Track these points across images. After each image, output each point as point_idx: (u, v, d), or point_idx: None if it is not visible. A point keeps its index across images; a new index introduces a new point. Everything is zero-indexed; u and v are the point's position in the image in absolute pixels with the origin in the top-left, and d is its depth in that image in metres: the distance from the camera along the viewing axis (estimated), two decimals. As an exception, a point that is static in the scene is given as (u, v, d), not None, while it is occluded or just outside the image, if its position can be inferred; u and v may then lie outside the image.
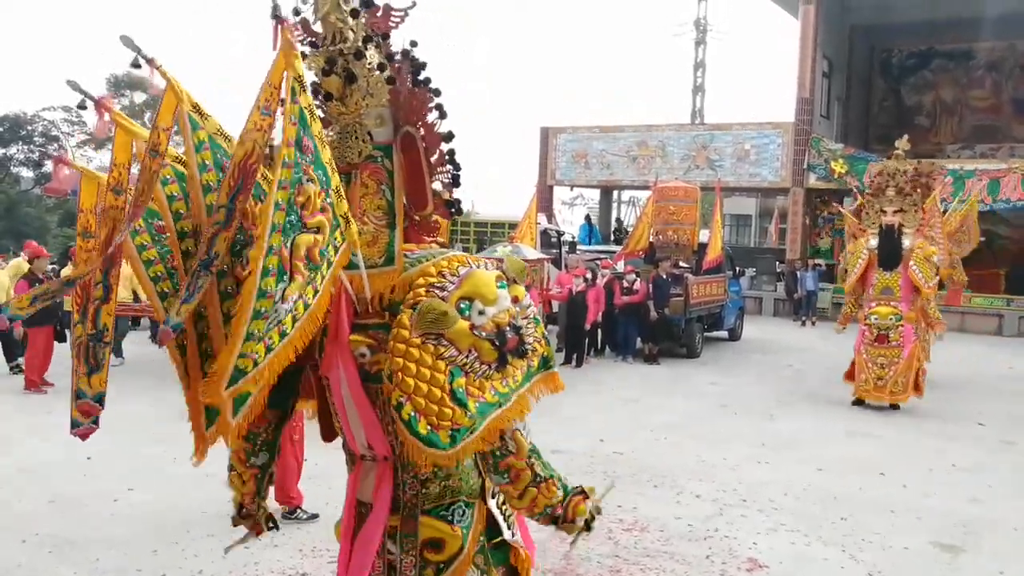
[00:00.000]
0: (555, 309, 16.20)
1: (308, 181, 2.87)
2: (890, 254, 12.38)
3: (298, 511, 7.06)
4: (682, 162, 28.41)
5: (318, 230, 2.92)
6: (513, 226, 18.29)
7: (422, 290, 3.16)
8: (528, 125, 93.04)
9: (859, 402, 12.54)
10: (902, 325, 12.29)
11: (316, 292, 2.95)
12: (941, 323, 12.71)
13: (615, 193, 37.87)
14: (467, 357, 3.12)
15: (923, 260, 12.24)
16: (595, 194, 35.66)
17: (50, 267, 14.47)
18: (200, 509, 7.26)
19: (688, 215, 18.11)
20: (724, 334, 20.00)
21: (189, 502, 7.43)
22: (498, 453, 3.32)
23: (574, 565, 6.21)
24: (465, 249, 18.31)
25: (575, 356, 15.29)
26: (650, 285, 16.21)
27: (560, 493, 3.42)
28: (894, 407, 12.29)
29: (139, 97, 47.62)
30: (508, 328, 3.21)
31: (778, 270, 27.16)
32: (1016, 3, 25.79)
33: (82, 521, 6.98)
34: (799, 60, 27.19)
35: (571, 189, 36.11)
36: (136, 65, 2.99)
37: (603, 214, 35.00)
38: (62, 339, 13.45)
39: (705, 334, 18.35)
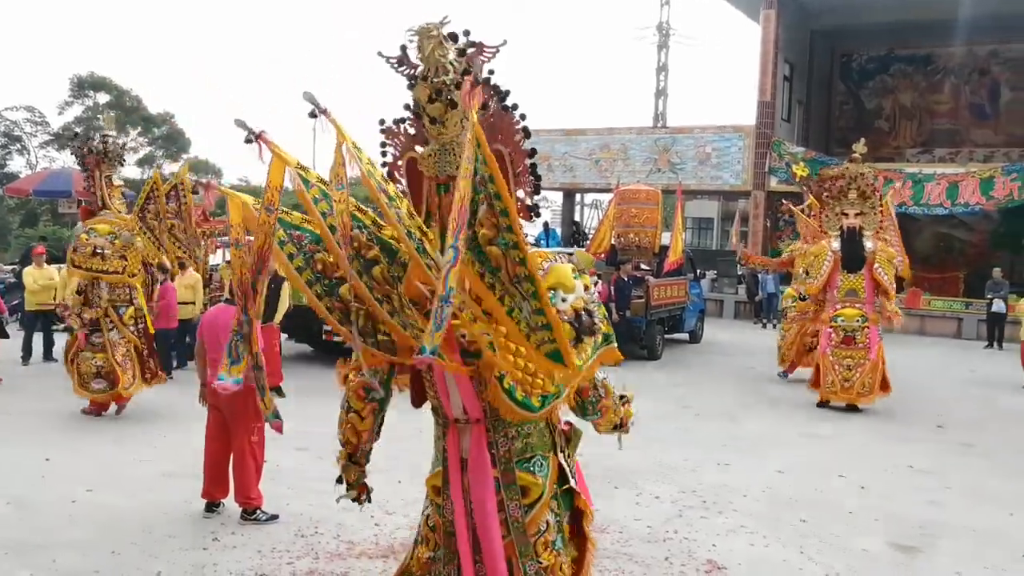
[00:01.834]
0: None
1: (486, 205, 3.40)
2: (854, 257, 12.54)
3: (258, 512, 7.00)
4: (644, 165, 28.53)
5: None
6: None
7: None
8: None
9: (824, 403, 12.64)
10: (867, 327, 12.45)
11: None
12: (898, 315, 12.83)
13: (577, 196, 37.95)
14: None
15: (886, 262, 12.47)
16: (558, 196, 35.74)
17: (9, 267, 14.27)
18: (160, 510, 7.20)
19: (650, 218, 18.18)
20: (685, 336, 20.10)
21: (149, 503, 7.37)
22: (593, 399, 4.44)
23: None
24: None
25: None
26: (612, 287, 16.25)
27: (622, 409, 4.66)
28: (853, 408, 12.40)
29: (103, 98, 47.08)
30: (583, 312, 3.99)
31: (739, 273, 27.36)
32: (974, 9, 26.16)
33: (40, 523, 6.88)
34: (760, 64, 27.42)
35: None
36: (312, 115, 3.62)
37: (565, 217, 35.05)
38: (4, 336, 13.42)
39: (666, 336, 18.44)
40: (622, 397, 4.74)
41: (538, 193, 4.24)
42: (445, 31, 3.81)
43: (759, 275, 25.06)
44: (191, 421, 8.98)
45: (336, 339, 14.89)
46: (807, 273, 13.13)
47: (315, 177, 3.96)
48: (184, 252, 11.56)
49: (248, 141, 3.76)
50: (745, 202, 30.37)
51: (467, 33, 3.94)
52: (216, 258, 17.93)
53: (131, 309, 10.79)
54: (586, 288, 4.07)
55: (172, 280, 13.41)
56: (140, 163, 49.41)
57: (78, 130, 45.60)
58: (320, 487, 7.96)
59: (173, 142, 49.69)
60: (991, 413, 13.10)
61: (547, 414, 4.15)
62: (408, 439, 9.90)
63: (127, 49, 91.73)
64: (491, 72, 4.01)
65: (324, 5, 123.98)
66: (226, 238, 18.76)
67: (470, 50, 3.92)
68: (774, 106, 27.37)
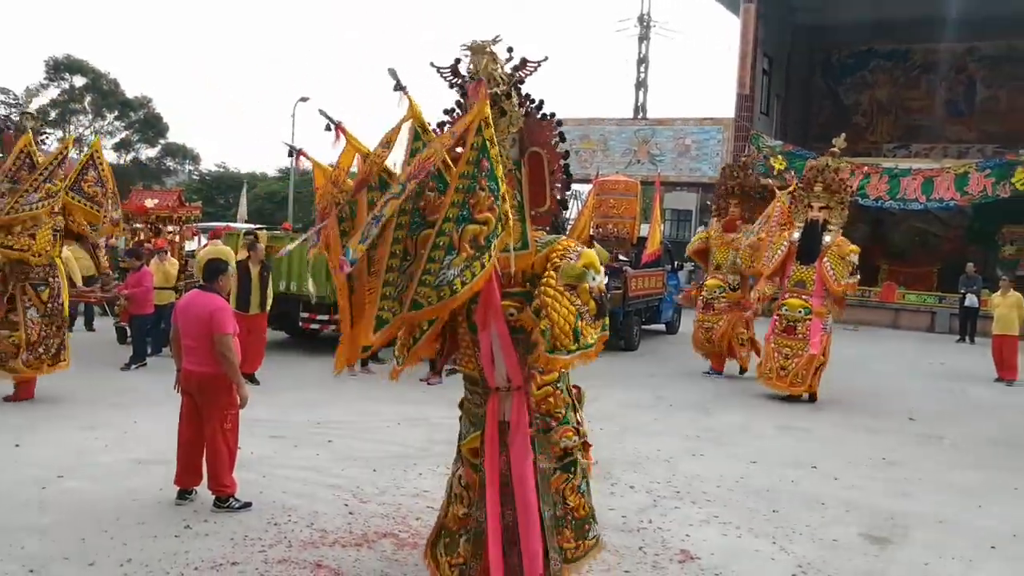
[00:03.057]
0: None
1: (480, 189, 4.32)
2: (808, 249, 12.49)
3: (230, 500, 6.95)
4: (624, 156, 28.57)
5: (484, 223, 4.31)
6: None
7: (558, 258, 4.72)
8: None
9: (793, 398, 12.58)
10: (810, 319, 12.42)
11: (483, 265, 4.29)
12: (842, 304, 12.84)
13: (558, 185, 37.85)
14: (584, 307, 4.62)
15: (837, 258, 12.36)
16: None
17: None
18: (132, 497, 7.14)
19: (628, 209, 18.20)
20: (662, 327, 20.18)
21: (119, 490, 7.30)
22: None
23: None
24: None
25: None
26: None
27: (560, 411, 5.13)
28: (794, 398, 12.46)
29: (79, 81, 46.67)
30: (604, 294, 4.78)
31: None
32: (952, 7, 26.35)
33: (9, 509, 6.80)
34: (740, 57, 27.52)
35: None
36: (398, 87, 4.58)
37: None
38: None
39: (643, 327, 18.51)
40: (584, 441, 5.24)
41: (569, 189, 5.07)
42: (495, 48, 4.62)
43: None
44: (164, 407, 8.93)
45: (313, 327, 14.86)
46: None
47: (375, 164, 4.72)
48: (107, 219, 11.29)
49: (328, 128, 4.67)
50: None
51: (511, 50, 4.72)
52: (193, 244, 17.84)
53: (46, 291, 10.51)
54: (603, 276, 4.90)
55: (148, 265, 13.35)
56: (117, 147, 49.00)
57: (54, 113, 45.18)
58: (295, 475, 7.96)
59: (150, 126, 49.26)
60: (962, 406, 13.24)
61: (565, 363, 4.67)
62: (382, 431, 9.93)
63: (105, 32, 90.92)
64: (521, 82, 4.84)
65: (324, 5, 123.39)
66: (202, 224, 18.67)
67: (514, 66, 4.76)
68: (753, 99, 27.49)
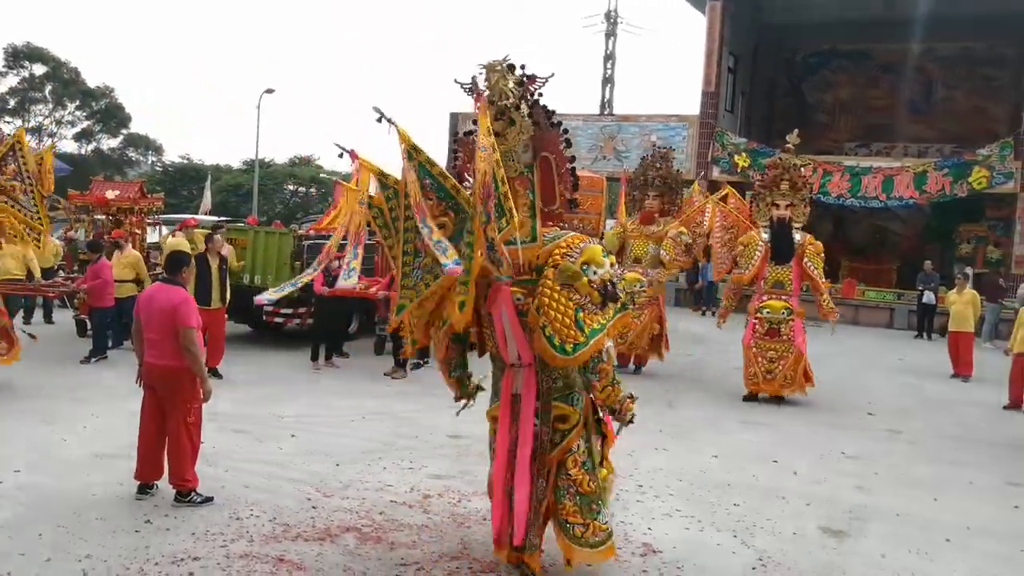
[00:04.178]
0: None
1: (427, 200, 5.14)
2: (783, 248, 12.37)
3: (192, 494, 6.90)
4: (590, 152, 28.63)
5: (443, 226, 5.09)
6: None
7: (559, 256, 5.39)
8: (438, 111, 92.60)
9: (752, 397, 12.52)
10: (792, 319, 12.32)
11: (457, 260, 4.85)
12: (834, 312, 12.82)
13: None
14: (585, 300, 5.31)
15: (815, 255, 12.39)
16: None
17: None
18: (91, 492, 7.07)
19: (594, 205, 18.14)
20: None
21: (78, 485, 7.22)
22: (595, 360, 5.54)
23: (470, 550, 6.24)
24: (371, 233, 18.16)
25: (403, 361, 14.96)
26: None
27: (623, 395, 5.70)
28: (779, 399, 12.37)
29: (39, 69, 45.98)
30: (608, 283, 5.41)
31: (682, 260, 27.58)
32: (912, 9, 26.70)
33: (-37, 506, 6.71)
34: (705, 55, 27.70)
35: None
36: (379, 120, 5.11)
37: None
38: None
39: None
40: (631, 396, 5.81)
41: (576, 189, 5.83)
42: (506, 66, 5.31)
43: (699, 263, 25.32)
44: (125, 401, 8.85)
45: (277, 321, 14.78)
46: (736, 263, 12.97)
47: (392, 181, 5.46)
48: (31, 217, 10.72)
49: (379, 121, 5.11)
50: (688, 191, 30.64)
51: (523, 67, 5.42)
52: (154, 235, 17.66)
53: None
54: (612, 264, 5.53)
55: (109, 258, 13.20)
56: (78, 137, 48.36)
57: (13, 102, 44.48)
58: (258, 469, 7.92)
59: (112, 116, 48.63)
60: (919, 401, 13.43)
61: (580, 359, 5.34)
62: (346, 425, 9.91)
63: (66, 19, 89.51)
64: (541, 94, 5.56)
65: (324, 5, 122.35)
66: (164, 216, 18.48)
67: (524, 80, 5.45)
68: (718, 96, 27.68)
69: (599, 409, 5.82)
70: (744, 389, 12.67)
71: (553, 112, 5.63)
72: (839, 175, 24.94)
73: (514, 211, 5.12)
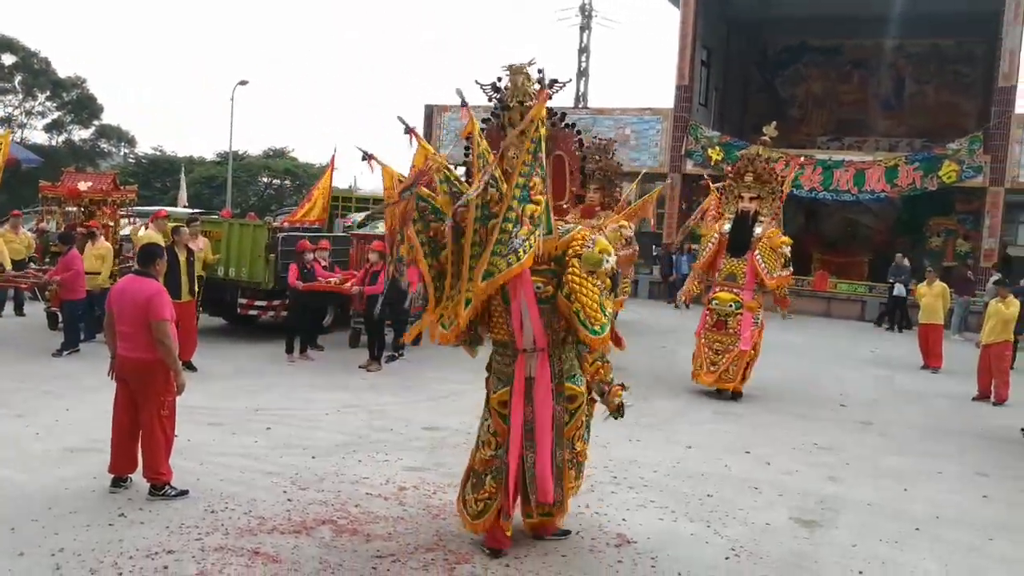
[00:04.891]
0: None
1: (536, 176, 5.56)
2: (739, 241, 12.14)
3: (166, 487, 6.88)
4: (564, 145, 28.59)
5: (539, 204, 5.58)
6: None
7: (579, 247, 5.85)
8: (413, 102, 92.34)
9: (717, 392, 12.23)
10: (741, 313, 12.03)
11: (537, 238, 5.57)
12: (787, 300, 12.46)
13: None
14: (603, 286, 5.84)
15: (768, 250, 11.96)
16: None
17: None
18: (62, 486, 7.03)
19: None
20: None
21: (51, 479, 7.18)
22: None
23: (445, 542, 6.26)
24: (347, 227, 18.11)
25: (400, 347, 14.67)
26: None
27: (611, 377, 6.20)
28: (721, 393, 12.10)
29: (8, 59, 45.37)
30: (615, 271, 6.03)
31: (654, 254, 27.73)
32: (883, 5, 26.91)
33: (-66, 500, 6.65)
34: (679, 48, 27.77)
35: (455, 168, 36.00)
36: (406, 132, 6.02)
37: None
38: None
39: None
40: (622, 385, 6.29)
41: (586, 186, 6.70)
42: (529, 69, 5.73)
43: (673, 256, 25.46)
44: (98, 395, 8.80)
45: (251, 313, 14.72)
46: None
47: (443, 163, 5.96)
48: None
49: (407, 132, 5.90)
50: (662, 184, 30.81)
51: (541, 71, 5.77)
52: (126, 228, 17.51)
53: None
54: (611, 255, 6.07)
55: (80, 250, 13.07)
56: (48, 128, 47.80)
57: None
58: (232, 463, 7.91)
59: (84, 107, 48.09)
60: (889, 393, 13.59)
61: (607, 339, 5.92)
62: (321, 418, 9.89)
63: (37, 9, 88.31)
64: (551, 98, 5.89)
65: (324, 5, 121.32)
66: (137, 208, 18.33)
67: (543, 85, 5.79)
68: (692, 90, 27.77)
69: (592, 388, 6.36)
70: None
71: (564, 115, 6.32)
72: (811, 169, 25.10)
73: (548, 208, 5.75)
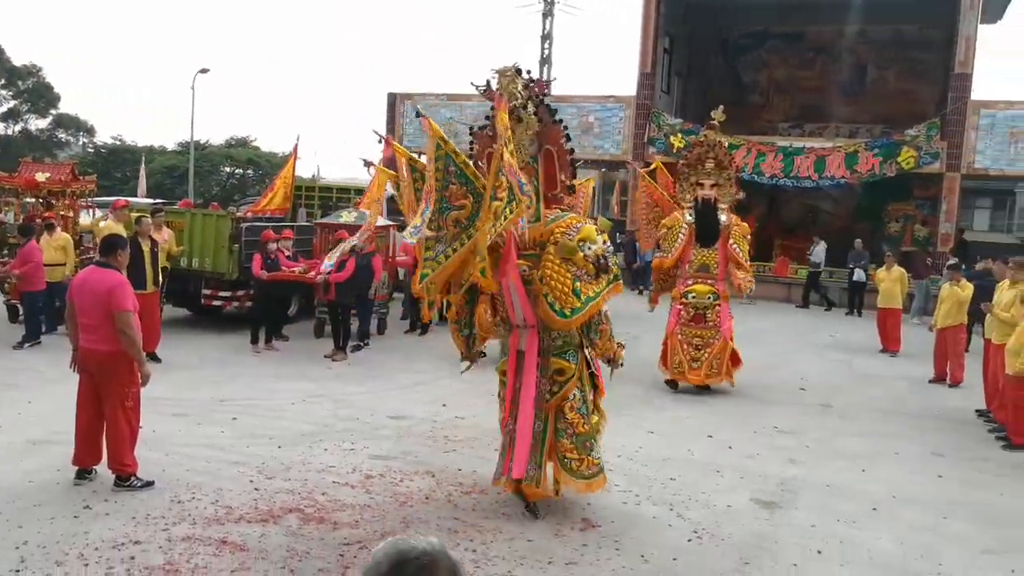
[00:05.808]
0: (401, 276, 16.12)
1: (452, 185, 6.19)
2: (709, 230, 11.75)
3: (132, 479, 6.88)
4: (528, 132, 28.58)
5: (462, 208, 6.08)
6: (360, 192, 17.99)
7: (559, 235, 6.45)
8: (376, 90, 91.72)
9: (673, 384, 11.98)
10: (719, 304, 11.77)
11: (469, 237, 6.01)
12: (751, 283, 11.78)
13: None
14: (580, 271, 6.39)
15: (741, 238, 11.82)
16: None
17: None
18: (27, 479, 7.01)
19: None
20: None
21: (14, 472, 7.15)
22: (597, 322, 6.73)
23: (412, 529, 6.32)
24: (309, 214, 18.05)
25: (420, 324, 15.16)
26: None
27: (614, 345, 6.89)
28: (705, 388, 11.86)
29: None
30: (602, 257, 6.47)
31: (617, 241, 27.82)
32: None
33: None
34: (641, 35, 27.81)
35: (419, 156, 35.88)
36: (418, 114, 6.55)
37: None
38: None
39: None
40: (619, 344, 6.99)
41: (575, 177, 6.93)
42: (514, 71, 6.28)
43: (637, 244, 25.57)
44: (60, 387, 8.75)
45: (215, 304, 14.65)
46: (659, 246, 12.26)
47: (420, 166, 6.65)
48: None
49: (418, 115, 6.53)
50: (626, 172, 30.91)
51: (528, 72, 6.48)
52: (86, 218, 17.33)
53: None
54: (604, 241, 6.58)
55: (38, 241, 12.94)
56: (4, 117, 47.05)
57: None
58: (198, 453, 7.91)
59: (40, 96, 47.37)
60: (849, 376, 13.79)
61: (576, 322, 6.47)
62: (286, 407, 9.90)
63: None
64: (546, 94, 6.83)
65: (324, 5, 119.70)
66: (97, 198, 18.13)
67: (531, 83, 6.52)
68: (654, 77, 27.85)
69: (591, 364, 6.94)
70: (663, 375, 12.18)
71: (555, 110, 6.84)
72: (772, 155, 25.30)
73: (522, 197, 5.99)
